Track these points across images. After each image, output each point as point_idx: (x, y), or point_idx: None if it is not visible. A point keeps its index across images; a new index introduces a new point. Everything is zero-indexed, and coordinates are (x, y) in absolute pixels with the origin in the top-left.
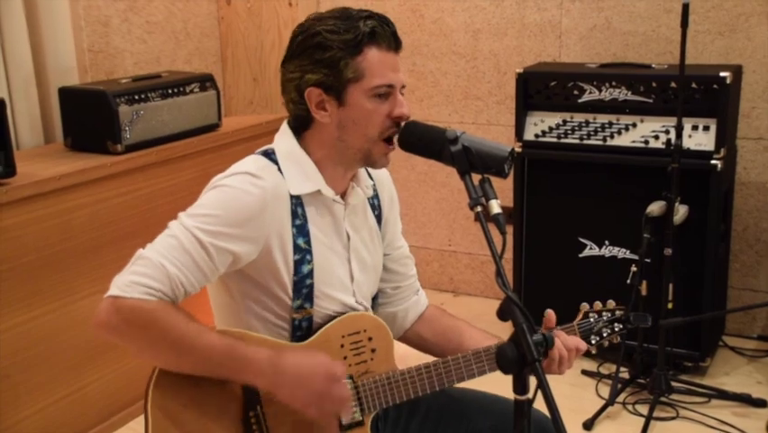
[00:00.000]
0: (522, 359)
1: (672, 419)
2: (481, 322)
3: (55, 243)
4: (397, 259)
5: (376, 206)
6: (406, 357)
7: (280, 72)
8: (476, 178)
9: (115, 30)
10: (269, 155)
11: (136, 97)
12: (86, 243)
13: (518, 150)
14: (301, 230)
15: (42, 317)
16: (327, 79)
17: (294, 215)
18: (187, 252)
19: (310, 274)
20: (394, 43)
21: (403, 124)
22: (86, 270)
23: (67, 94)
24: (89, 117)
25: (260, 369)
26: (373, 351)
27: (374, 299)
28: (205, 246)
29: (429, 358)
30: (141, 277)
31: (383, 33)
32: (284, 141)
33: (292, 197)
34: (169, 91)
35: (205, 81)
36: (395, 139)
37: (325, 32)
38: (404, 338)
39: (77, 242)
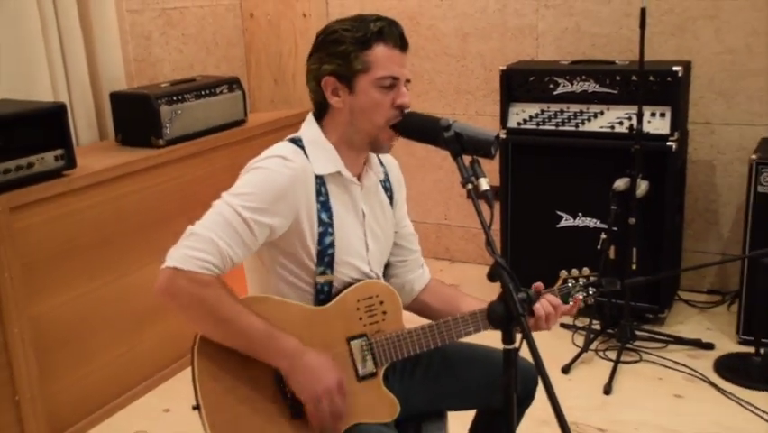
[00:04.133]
0: (509, 314)
1: (636, 362)
2: (474, 284)
3: (109, 225)
4: (404, 236)
5: (388, 188)
6: (410, 321)
7: (306, 66)
8: (467, 160)
9: (156, 42)
10: (297, 141)
11: (174, 99)
12: (135, 224)
13: (503, 136)
14: (324, 206)
15: (101, 289)
16: (340, 69)
17: (318, 192)
18: (232, 227)
19: (332, 245)
20: (400, 43)
21: (405, 111)
22: (136, 247)
23: (117, 97)
24: (136, 117)
25: (285, 355)
26: (384, 313)
27: (385, 267)
28: (247, 221)
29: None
30: (196, 251)
31: (390, 33)
32: (309, 129)
33: (317, 177)
34: (202, 93)
35: (233, 84)
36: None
37: (341, 30)
38: (410, 307)
39: (127, 223)
